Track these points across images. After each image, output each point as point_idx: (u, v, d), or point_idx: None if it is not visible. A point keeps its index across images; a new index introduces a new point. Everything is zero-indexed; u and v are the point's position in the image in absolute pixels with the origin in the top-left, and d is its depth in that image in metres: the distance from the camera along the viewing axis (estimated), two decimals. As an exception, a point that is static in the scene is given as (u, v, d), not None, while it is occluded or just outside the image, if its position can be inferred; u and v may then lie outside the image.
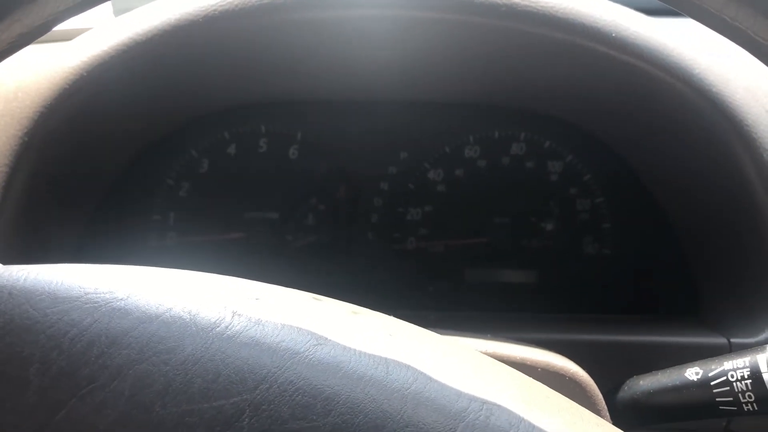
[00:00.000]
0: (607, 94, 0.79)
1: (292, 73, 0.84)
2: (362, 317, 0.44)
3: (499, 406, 0.38)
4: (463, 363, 0.42)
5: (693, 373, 0.59)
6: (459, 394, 0.38)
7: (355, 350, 0.38)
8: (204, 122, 0.92)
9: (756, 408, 0.56)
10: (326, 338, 0.38)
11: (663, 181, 0.88)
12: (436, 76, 0.85)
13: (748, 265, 0.76)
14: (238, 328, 0.38)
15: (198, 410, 0.34)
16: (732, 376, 0.56)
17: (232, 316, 0.38)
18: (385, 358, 0.38)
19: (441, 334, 0.63)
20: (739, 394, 0.56)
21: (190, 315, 0.38)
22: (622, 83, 0.75)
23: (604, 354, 0.74)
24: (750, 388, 0.55)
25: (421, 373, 0.38)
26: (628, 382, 0.64)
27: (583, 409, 0.43)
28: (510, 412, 0.37)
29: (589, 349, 0.74)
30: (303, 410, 0.35)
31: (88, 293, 0.38)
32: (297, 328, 0.39)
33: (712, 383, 0.57)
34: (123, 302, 0.38)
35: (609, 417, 0.59)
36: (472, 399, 0.37)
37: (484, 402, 0.37)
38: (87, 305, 0.37)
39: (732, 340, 0.74)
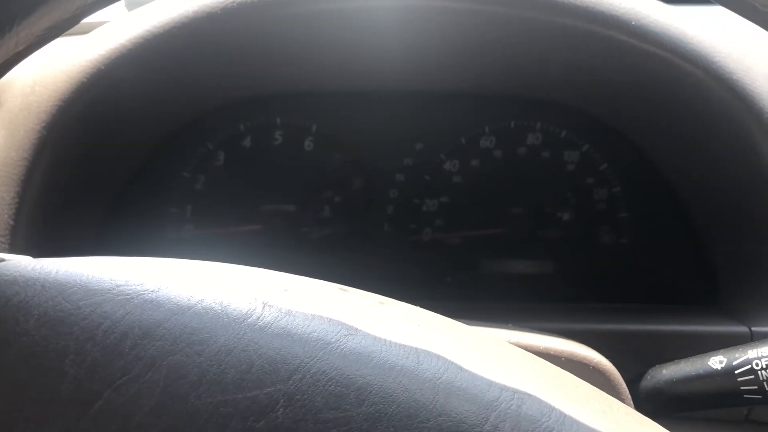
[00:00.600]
0: (626, 82, 0.79)
1: (308, 64, 0.84)
2: (389, 307, 0.44)
3: (530, 396, 0.38)
4: (491, 353, 0.42)
5: (717, 361, 0.59)
6: (490, 384, 0.38)
7: (385, 340, 0.38)
8: (220, 115, 0.92)
9: (781, 396, 0.56)
10: (356, 328, 0.39)
11: (681, 170, 0.87)
12: (451, 67, 0.85)
13: (764, 253, 0.76)
14: (269, 318, 0.38)
15: (232, 400, 0.35)
16: (757, 365, 0.56)
17: (263, 307, 0.38)
18: (416, 348, 0.38)
19: (464, 324, 0.63)
20: (764, 383, 0.56)
21: (222, 306, 0.38)
22: (641, 72, 0.75)
23: (624, 343, 0.74)
24: (775, 376, 0.55)
25: (452, 363, 0.38)
26: (650, 371, 0.64)
27: (612, 398, 0.43)
28: (541, 401, 0.37)
29: (608, 338, 0.74)
30: (336, 400, 0.35)
31: (120, 285, 0.38)
32: (327, 318, 0.39)
33: (736, 372, 0.57)
34: (154, 294, 0.38)
35: (633, 406, 0.59)
36: (504, 388, 0.37)
37: (515, 391, 0.38)
38: (119, 297, 0.37)
39: (753, 328, 0.74)
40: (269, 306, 0.38)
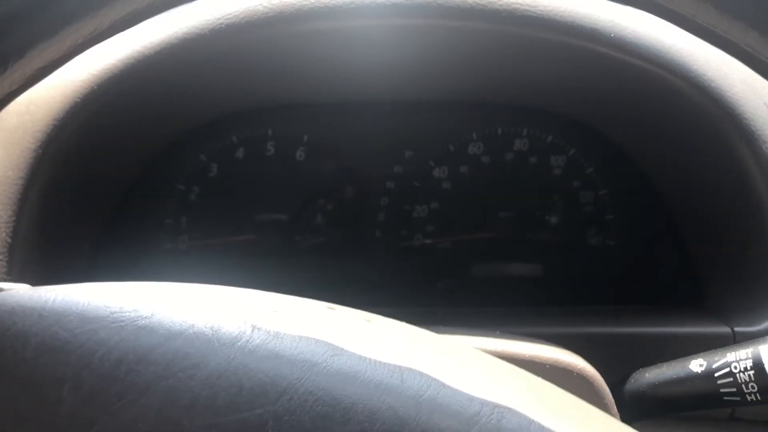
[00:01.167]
0: (608, 90, 0.81)
1: (297, 78, 0.85)
2: (375, 325, 0.46)
3: (510, 409, 0.39)
4: (474, 367, 0.44)
5: (697, 365, 0.61)
6: (471, 399, 0.39)
7: (370, 359, 0.40)
8: (212, 127, 0.93)
9: (759, 398, 0.57)
10: (342, 348, 0.40)
11: (665, 173, 0.89)
12: (439, 77, 0.86)
13: (749, 255, 0.78)
14: (258, 341, 0.39)
15: (224, 423, 0.36)
16: (735, 368, 0.58)
17: (252, 330, 0.40)
18: (400, 366, 0.40)
19: (451, 333, 0.65)
20: (743, 385, 0.58)
21: (213, 330, 0.39)
22: (622, 80, 0.77)
23: (610, 346, 0.76)
24: (753, 378, 0.57)
25: (435, 379, 0.40)
26: (634, 374, 0.66)
27: (592, 407, 0.44)
28: (520, 415, 0.39)
29: (595, 341, 0.76)
30: (323, 420, 0.37)
31: (114, 312, 0.40)
32: (314, 339, 0.40)
33: (716, 375, 0.59)
34: (148, 320, 0.40)
35: (616, 410, 0.61)
36: (484, 403, 0.39)
37: (495, 405, 0.39)
38: (114, 324, 0.39)
39: (736, 329, 0.75)
40: (258, 329, 0.40)
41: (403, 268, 0.96)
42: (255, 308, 0.42)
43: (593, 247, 0.95)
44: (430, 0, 0.67)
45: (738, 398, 0.58)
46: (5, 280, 0.63)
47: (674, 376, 0.62)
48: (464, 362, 0.44)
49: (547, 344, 0.64)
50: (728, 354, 0.59)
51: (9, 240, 0.74)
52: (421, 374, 0.40)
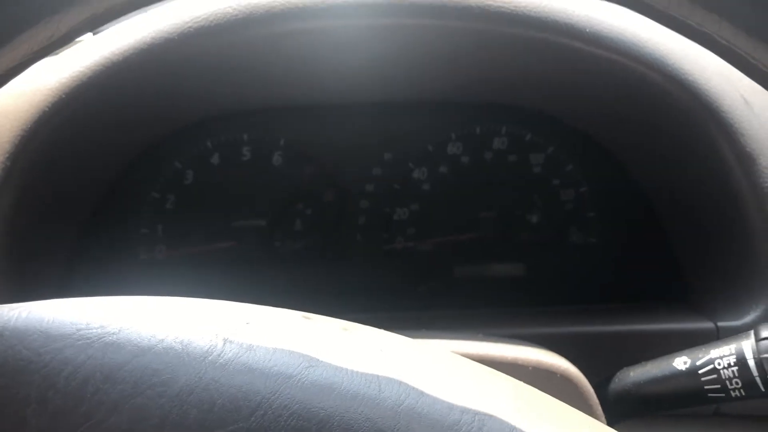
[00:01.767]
0: (585, 86, 0.80)
1: (272, 81, 0.84)
2: (352, 333, 0.45)
3: (490, 416, 0.38)
4: (455, 373, 0.43)
5: (681, 362, 0.60)
6: (451, 407, 0.38)
7: (347, 370, 0.39)
8: (186, 133, 0.92)
9: (743, 393, 0.57)
10: (318, 359, 0.39)
11: (645, 168, 0.89)
12: (415, 77, 0.85)
13: (730, 249, 0.78)
14: (230, 355, 0.38)
15: (195, 441, 0.35)
16: (719, 364, 0.58)
17: (224, 344, 0.39)
18: (377, 375, 0.39)
19: (433, 337, 0.64)
20: (727, 381, 0.57)
21: (182, 345, 0.38)
22: (599, 75, 0.76)
23: (593, 345, 0.76)
24: (736, 374, 0.57)
25: (413, 388, 0.39)
26: (618, 373, 0.65)
27: (576, 411, 0.43)
28: (501, 422, 0.38)
29: (579, 341, 0.76)
30: (298, 434, 0.36)
31: (80, 329, 0.38)
32: (288, 351, 0.39)
33: (699, 372, 0.59)
34: (115, 336, 0.38)
35: (600, 411, 0.60)
36: (464, 411, 0.38)
37: (476, 413, 0.38)
38: (80, 342, 0.38)
39: (719, 324, 0.75)
40: (230, 342, 0.39)
41: (385, 271, 0.95)
42: (227, 320, 0.41)
43: (575, 244, 0.95)
44: (403, -1, 0.66)
45: (722, 394, 0.58)
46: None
47: (659, 375, 0.61)
48: (444, 369, 0.43)
49: (530, 346, 0.63)
50: (711, 350, 0.59)
51: (-20, 254, 0.72)
52: (399, 383, 0.39)
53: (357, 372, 0.39)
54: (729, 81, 0.75)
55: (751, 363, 0.56)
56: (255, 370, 0.37)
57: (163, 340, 0.38)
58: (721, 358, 0.58)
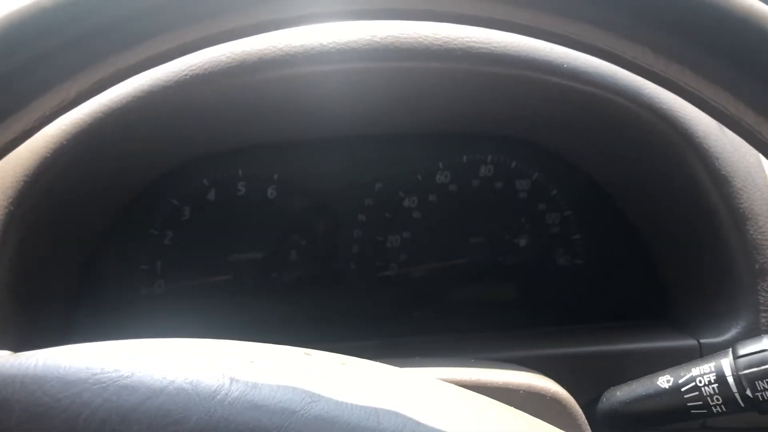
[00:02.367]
0: (566, 116, 0.83)
1: (265, 120, 0.87)
2: (351, 368, 0.47)
3: (484, 443, 0.41)
4: (449, 402, 0.45)
5: (665, 380, 0.63)
6: (445, 436, 0.41)
7: (346, 403, 0.41)
8: (182, 172, 0.94)
9: (725, 409, 0.60)
10: (319, 394, 0.42)
11: (626, 193, 0.92)
12: (403, 112, 0.88)
13: (710, 268, 0.81)
14: (237, 394, 0.41)
15: (208, 477, 0.38)
16: (700, 382, 0.61)
17: (231, 383, 0.41)
18: (376, 408, 0.42)
19: (426, 365, 0.66)
20: (708, 398, 0.60)
21: (192, 385, 0.41)
22: (579, 106, 0.79)
23: (582, 365, 0.78)
24: (717, 391, 0.59)
25: (410, 419, 0.41)
26: (605, 393, 0.68)
27: (563, 432, 0.46)
28: (494, 448, 0.41)
29: (566, 362, 0.78)
30: (303, 466, 0.38)
31: (96, 374, 0.41)
32: (292, 387, 0.42)
33: (682, 389, 0.61)
34: (129, 379, 0.41)
35: (590, 431, 0.63)
36: (459, 439, 0.41)
37: (469, 440, 0.41)
38: (96, 386, 0.40)
39: (702, 340, 0.78)
40: (236, 381, 0.41)
41: (379, 298, 0.98)
42: (232, 360, 0.44)
43: (563, 267, 0.98)
44: (387, 43, 0.69)
45: (705, 410, 0.60)
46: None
47: (644, 393, 0.64)
48: (439, 398, 0.46)
49: (519, 369, 0.66)
50: (693, 368, 0.62)
51: (-15, 297, 0.74)
52: (397, 414, 0.42)
53: (356, 405, 0.41)
54: (702, 108, 0.78)
55: (731, 380, 0.59)
56: (261, 407, 0.40)
57: (173, 381, 0.41)
58: (701, 375, 0.60)
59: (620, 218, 0.94)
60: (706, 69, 0.40)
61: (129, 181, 0.90)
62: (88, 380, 0.40)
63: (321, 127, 0.92)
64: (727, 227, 0.78)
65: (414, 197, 0.98)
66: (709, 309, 0.80)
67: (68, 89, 0.41)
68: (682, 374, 0.62)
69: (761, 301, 0.76)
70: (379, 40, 0.71)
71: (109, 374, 0.41)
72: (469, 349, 0.79)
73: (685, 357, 0.70)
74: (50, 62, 0.39)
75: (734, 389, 0.58)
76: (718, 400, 0.59)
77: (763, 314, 0.76)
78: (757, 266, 0.76)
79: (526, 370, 0.66)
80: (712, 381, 0.60)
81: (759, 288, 0.76)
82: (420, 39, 0.71)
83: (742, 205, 0.77)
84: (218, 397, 0.40)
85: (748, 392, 0.58)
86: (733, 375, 0.59)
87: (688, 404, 0.61)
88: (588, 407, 0.67)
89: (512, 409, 0.48)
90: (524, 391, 0.62)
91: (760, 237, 0.77)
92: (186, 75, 0.70)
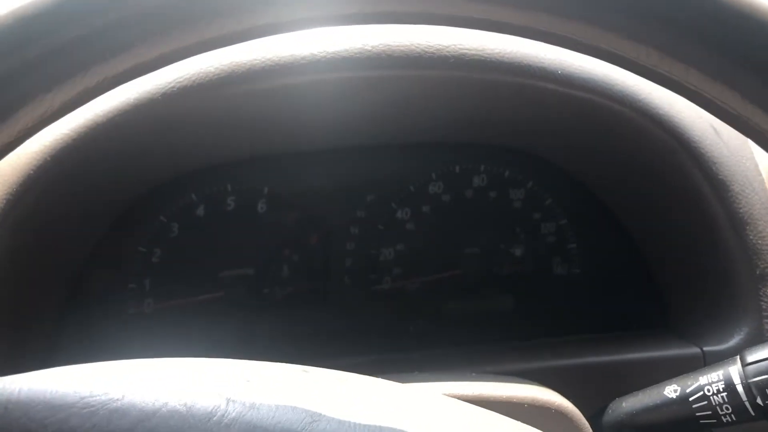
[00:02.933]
0: (560, 124, 0.82)
1: (253, 132, 0.86)
2: (349, 384, 0.46)
3: (493, 460, 0.39)
4: (454, 419, 0.44)
5: (671, 390, 0.61)
6: (454, 453, 0.39)
7: (349, 422, 0.40)
8: (170, 187, 0.92)
9: (735, 418, 0.58)
10: (320, 414, 0.40)
11: (622, 200, 0.91)
12: (394, 121, 0.87)
13: (710, 275, 0.79)
14: (234, 415, 0.39)
15: (205, 505, 0.35)
16: (708, 390, 0.59)
17: (227, 403, 0.39)
18: (380, 426, 0.40)
19: (427, 380, 0.65)
20: (717, 407, 0.58)
21: (186, 407, 0.39)
22: (574, 113, 0.78)
23: (584, 377, 0.77)
24: (726, 400, 0.58)
25: (416, 437, 0.40)
26: (611, 404, 0.66)
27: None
28: (504, 465, 0.39)
29: (568, 373, 0.77)
30: (306, 491, 0.36)
31: (84, 397, 0.39)
32: (291, 407, 0.40)
33: (690, 399, 0.60)
34: (119, 402, 0.39)
35: (596, 442, 0.61)
36: (467, 457, 0.39)
37: (477, 458, 0.39)
38: (84, 410, 0.38)
39: (705, 348, 0.77)
40: (233, 401, 0.39)
41: (374, 312, 0.96)
42: (228, 379, 0.42)
43: (560, 276, 0.96)
44: (379, 52, 0.68)
45: (714, 420, 0.59)
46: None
47: (650, 404, 0.62)
48: (443, 415, 0.44)
49: (522, 382, 0.64)
50: (700, 377, 0.60)
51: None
52: (401, 432, 0.40)
53: (359, 424, 0.40)
54: (698, 112, 0.78)
55: (740, 388, 0.57)
56: (259, 428, 0.38)
57: (167, 403, 0.39)
58: (710, 384, 0.59)
59: (616, 226, 0.93)
60: (711, 68, 0.39)
61: (115, 197, 0.88)
62: (76, 404, 0.38)
63: (311, 138, 0.90)
64: (727, 232, 0.77)
65: (407, 208, 0.97)
66: (711, 316, 0.79)
67: (52, 99, 0.39)
68: (689, 383, 0.60)
69: (764, 306, 0.75)
70: (370, 48, 0.70)
71: (98, 397, 0.39)
72: (469, 363, 0.77)
73: (688, 366, 0.68)
74: (32, 72, 0.37)
75: (744, 397, 0.57)
76: (727, 409, 0.58)
77: (767, 320, 0.74)
78: (758, 271, 0.75)
79: (529, 383, 0.64)
80: (721, 390, 0.58)
81: (761, 293, 0.75)
82: (412, 47, 0.70)
83: (741, 210, 0.76)
84: (214, 418, 0.38)
85: (759, 400, 0.56)
86: (742, 383, 0.57)
87: (697, 414, 0.59)
88: (593, 420, 0.65)
89: (520, 423, 0.46)
90: (528, 404, 0.60)
91: (760, 242, 0.76)
92: (173, 87, 0.69)
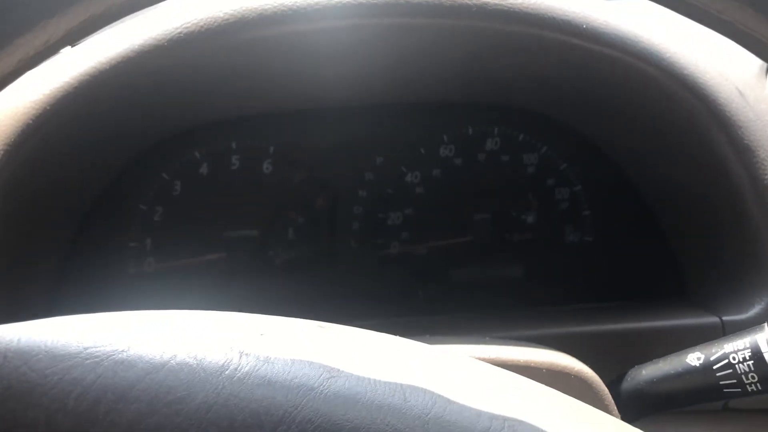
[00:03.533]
0: (580, 84, 0.79)
1: (261, 86, 0.82)
2: (368, 341, 0.43)
3: (521, 422, 0.37)
4: (476, 378, 0.41)
5: (694, 358, 0.59)
6: (479, 414, 0.37)
7: (369, 379, 0.37)
8: (173, 143, 0.90)
9: (760, 387, 0.56)
10: (339, 369, 0.37)
11: (639, 165, 0.88)
12: (407, 79, 0.84)
13: (730, 244, 0.77)
14: (247, 369, 0.36)
15: (216, 460, 0.33)
16: (734, 359, 0.57)
17: (240, 357, 0.37)
18: (401, 384, 0.37)
19: (441, 343, 0.62)
20: (743, 376, 0.56)
21: (197, 360, 0.36)
22: (595, 72, 0.75)
23: (599, 344, 0.75)
24: (753, 368, 0.56)
25: (439, 395, 0.37)
26: (630, 372, 0.64)
27: (602, 413, 0.42)
28: (533, 427, 0.37)
29: (584, 340, 0.75)
30: (325, 449, 0.34)
31: (88, 348, 0.36)
32: (308, 362, 0.37)
33: (714, 367, 0.58)
34: (125, 354, 0.36)
35: (617, 410, 0.59)
36: (494, 417, 0.37)
37: (505, 419, 0.37)
38: (88, 361, 0.36)
39: (724, 318, 0.75)
40: (246, 354, 0.37)
41: (381, 277, 0.94)
42: (240, 332, 0.39)
43: (572, 243, 0.94)
44: (398, -2, 0.65)
45: (739, 389, 0.57)
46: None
47: (672, 372, 0.60)
48: (465, 374, 0.42)
49: (539, 347, 0.62)
50: (725, 345, 0.58)
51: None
52: (425, 391, 0.37)
53: (380, 381, 0.37)
54: (724, 75, 0.75)
55: (767, 356, 0.55)
56: (275, 383, 0.36)
57: (176, 355, 0.36)
58: (735, 352, 0.57)
59: (632, 193, 0.90)
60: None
61: (116, 152, 0.85)
62: (80, 354, 0.36)
63: (319, 95, 0.87)
64: (750, 200, 0.74)
65: (417, 172, 0.94)
66: (730, 285, 0.77)
67: (56, 25, 0.36)
68: (713, 351, 0.58)
69: (787, 276, 0.72)
70: (388, -6, 0.66)
71: (103, 348, 0.36)
72: (480, 329, 0.75)
73: (707, 335, 0.66)
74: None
75: (772, 366, 0.55)
76: (753, 377, 0.56)
77: (790, 290, 0.72)
78: (781, 240, 0.73)
79: (546, 348, 0.62)
80: (747, 357, 0.56)
81: (784, 263, 0.72)
82: (432, -6, 0.66)
83: (766, 176, 0.73)
84: (227, 372, 0.36)
85: (786, 369, 0.54)
86: (770, 351, 0.55)
87: (721, 383, 0.57)
88: (612, 387, 0.63)
89: (543, 386, 0.44)
90: (547, 369, 0.58)
91: (785, 209, 0.73)
92: (180, 33, 0.65)
